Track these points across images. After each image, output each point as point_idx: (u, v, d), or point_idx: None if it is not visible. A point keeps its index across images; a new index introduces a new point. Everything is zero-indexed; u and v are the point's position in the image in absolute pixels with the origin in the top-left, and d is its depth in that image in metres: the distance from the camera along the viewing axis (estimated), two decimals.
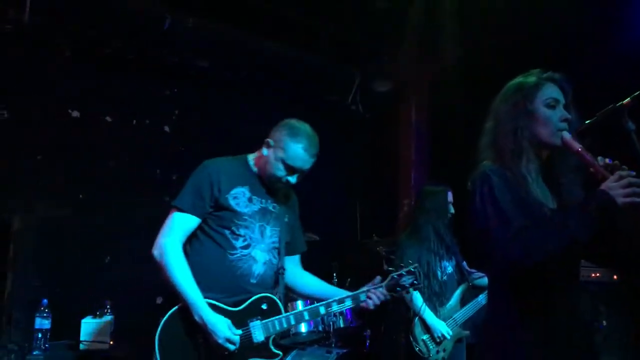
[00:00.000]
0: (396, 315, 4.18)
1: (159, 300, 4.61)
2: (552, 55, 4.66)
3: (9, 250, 3.99)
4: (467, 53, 5.29)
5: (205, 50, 5.07)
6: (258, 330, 2.63)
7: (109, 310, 4.05)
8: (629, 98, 1.88)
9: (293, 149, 2.71)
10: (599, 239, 1.87)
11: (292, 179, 2.77)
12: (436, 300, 3.95)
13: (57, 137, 4.51)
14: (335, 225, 5.40)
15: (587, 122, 2.01)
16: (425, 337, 3.91)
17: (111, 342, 3.93)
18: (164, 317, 2.59)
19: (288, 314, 2.71)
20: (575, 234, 1.78)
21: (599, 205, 1.78)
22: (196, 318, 2.54)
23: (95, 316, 3.98)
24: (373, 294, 2.77)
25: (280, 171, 2.73)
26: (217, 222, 2.72)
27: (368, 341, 4.59)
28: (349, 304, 2.76)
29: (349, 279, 5.00)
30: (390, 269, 2.84)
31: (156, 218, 4.66)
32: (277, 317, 2.68)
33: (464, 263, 4.14)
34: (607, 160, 1.87)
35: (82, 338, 3.88)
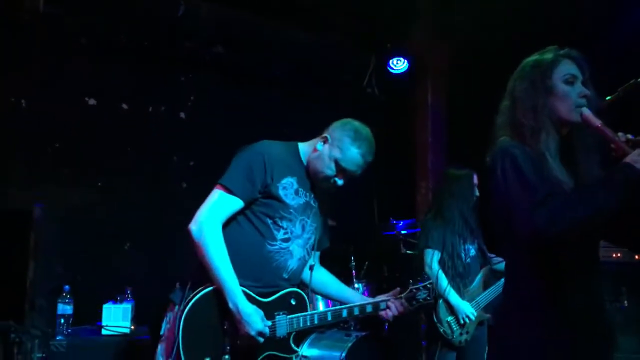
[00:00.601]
0: None
1: (178, 286, 4.65)
2: (572, 35, 4.58)
3: (30, 238, 4.03)
4: (483, 34, 5.22)
5: (220, 36, 5.06)
6: (283, 325, 2.57)
7: (129, 296, 4.10)
8: None
9: (351, 152, 2.58)
10: (621, 217, 1.84)
11: (340, 182, 2.65)
12: (460, 281, 3.94)
13: (74, 125, 4.54)
14: (352, 209, 5.39)
15: (608, 97, 1.97)
16: (449, 318, 3.91)
17: (132, 327, 3.98)
18: (192, 297, 2.45)
19: (313, 312, 2.66)
20: (602, 202, 1.75)
21: (625, 177, 1.75)
22: (230, 305, 2.41)
23: (116, 302, 4.04)
24: (392, 304, 2.75)
25: (331, 170, 2.60)
26: (261, 209, 2.57)
27: (387, 324, 4.59)
28: (369, 310, 2.76)
29: (366, 262, 4.99)
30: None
31: (174, 204, 4.73)
32: (302, 314, 2.62)
33: (484, 247, 4.12)
34: (628, 136, 1.84)
35: (103, 323, 3.94)
